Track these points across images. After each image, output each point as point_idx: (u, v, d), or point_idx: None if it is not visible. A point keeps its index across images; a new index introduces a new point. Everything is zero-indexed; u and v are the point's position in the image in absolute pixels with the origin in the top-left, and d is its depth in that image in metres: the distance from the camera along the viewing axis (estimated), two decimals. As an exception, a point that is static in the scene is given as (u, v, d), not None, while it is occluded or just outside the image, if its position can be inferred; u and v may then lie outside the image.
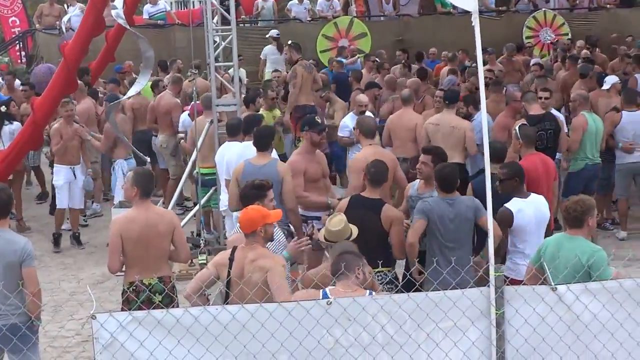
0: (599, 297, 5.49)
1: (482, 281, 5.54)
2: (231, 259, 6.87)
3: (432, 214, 7.98)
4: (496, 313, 5.35)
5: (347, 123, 12.97)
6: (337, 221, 7.61)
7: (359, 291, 6.00)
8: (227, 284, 6.81)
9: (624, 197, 12.86)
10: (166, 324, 5.15)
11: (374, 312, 5.28)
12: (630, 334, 5.54)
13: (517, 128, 10.10)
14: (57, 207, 13.27)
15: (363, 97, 13.47)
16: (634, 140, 12.49)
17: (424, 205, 8.09)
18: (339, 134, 13.20)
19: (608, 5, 24.86)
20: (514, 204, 8.41)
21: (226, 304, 6.63)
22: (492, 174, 8.58)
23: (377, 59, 18.90)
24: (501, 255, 8.25)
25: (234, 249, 6.93)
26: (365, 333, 5.30)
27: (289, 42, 16.49)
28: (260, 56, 20.23)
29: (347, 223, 7.62)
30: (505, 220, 8.33)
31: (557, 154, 12.55)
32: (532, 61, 19.06)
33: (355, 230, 7.61)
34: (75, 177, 13.09)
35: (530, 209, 8.46)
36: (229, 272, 6.81)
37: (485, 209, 7.55)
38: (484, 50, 18.49)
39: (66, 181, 13.05)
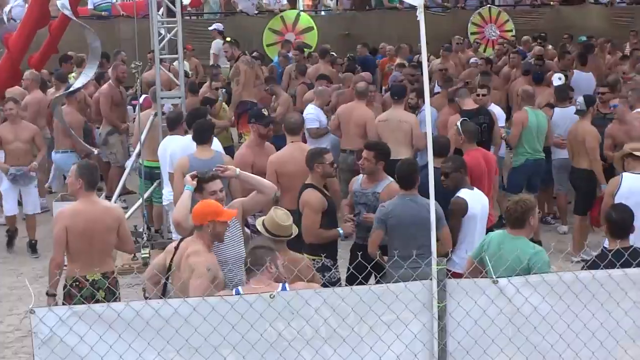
0: (539, 289, 5.53)
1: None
2: (176, 248, 6.87)
3: (391, 219, 8.00)
4: (438, 306, 5.37)
5: (312, 115, 12.98)
6: (286, 216, 7.61)
7: (272, 286, 5.98)
8: (168, 274, 6.83)
9: (562, 191, 13.02)
10: (107, 318, 5.08)
11: (317, 305, 5.27)
12: (569, 325, 5.59)
13: (458, 123, 10.18)
14: (5, 214, 12.54)
15: (328, 90, 13.53)
16: (565, 136, 12.65)
17: (381, 212, 8.11)
18: (308, 126, 12.95)
19: (552, 2, 25.16)
20: (464, 194, 8.48)
21: (164, 294, 6.68)
22: (435, 168, 8.81)
23: (333, 53, 18.90)
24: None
25: (181, 239, 6.93)
26: (308, 326, 5.29)
27: (228, 39, 16.41)
28: (213, 51, 20.07)
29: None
30: (460, 210, 8.40)
31: (502, 150, 12.69)
32: (472, 60, 19.15)
33: (295, 230, 7.64)
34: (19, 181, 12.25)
35: (478, 201, 8.57)
36: (170, 263, 6.84)
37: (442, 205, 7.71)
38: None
39: (11, 186, 12.27)
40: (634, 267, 5.88)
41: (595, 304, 5.65)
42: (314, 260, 8.17)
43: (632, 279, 5.70)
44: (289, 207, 8.61)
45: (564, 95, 13.10)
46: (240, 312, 5.17)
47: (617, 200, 8.76)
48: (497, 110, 12.74)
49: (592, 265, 6.23)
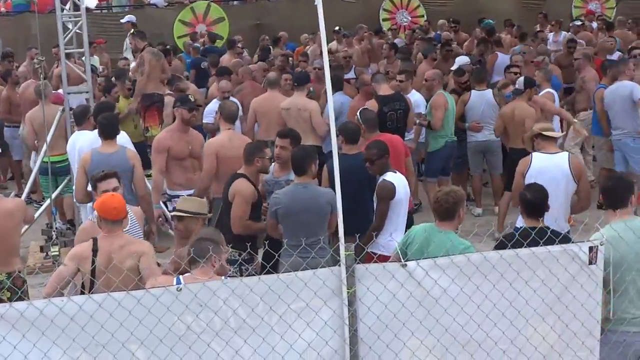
0: (448, 271, 5.54)
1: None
2: (95, 249, 6.70)
3: (280, 208, 7.99)
4: (347, 292, 5.35)
5: (212, 109, 12.84)
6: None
7: (214, 278, 5.90)
8: (92, 274, 6.64)
9: (477, 174, 13.14)
10: (9, 318, 4.95)
11: (225, 296, 5.20)
12: (479, 306, 5.62)
13: (358, 113, 10.14)
14: None
15: (225, 84, 13.37)
16: (481, 119, 12.75)
17: (273, 199, 8.10)
18: (204, 120, 13.00)
19: (462, -14, 25.35)
20: (390, 178, 8.48)
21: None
22: (357, 153, 8.85)
23: (239, 46, 18.76)
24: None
25: (95, 240, 6.77)
26: (217, 318, 5.22)
27: (132, 31, 16.17)
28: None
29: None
30: (388, 192, 8.38)
31: (422, 135, 12.75)
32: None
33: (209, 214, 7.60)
34: None
35: (401, 184, 8.57)
36: (93, 264, 6.65)
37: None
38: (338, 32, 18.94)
39: None
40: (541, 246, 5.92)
41: (504, 284, 5.67)
42: (237, 252, 8.14)
43: (540, 257, 5.74)
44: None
45: (481, 76, 13.20)
46: (147, 307, 5.08)
47: (527, 180, 8.86)
48: (417, 97, 12.71)
49: (500, 245, 6.24)
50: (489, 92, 12.86)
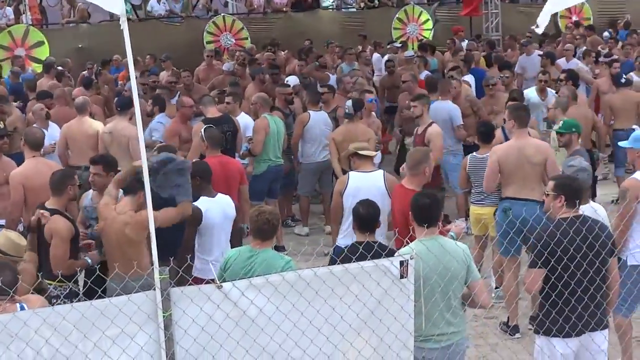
0: (264, 291, 5.59)
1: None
2: None
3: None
4: (163, 316, 5.33)
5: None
6: (20, 237, 7.33)
7: (11, 307, 5.76)
8: None
9: (307, 194, 13.32)
10: None
11: (37, 326, 5.09)
12: (295, 324, 5.68)
13: (202, 130, 10.24)
14: None
15: (38, 107, 13.17)
16: (320, 139, 12.94)
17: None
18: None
19: (284, 9, 25.68)
20: (201, 202, 8.54)
21: None
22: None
23: (61, 67, 18.49)
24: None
25: None
26: (29, 348, 5.09)
27: None
28: None
29: None
30: (194, 218, 8.42)
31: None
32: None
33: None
34: None
35: (218, 208, 8.64)
36: None
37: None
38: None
39: None
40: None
41: (319, 301, 5.76)
42: (60, 287, 7.94)
43: (353, 273, 5.86)
44: None
45: (315, 98, 13.42)
46: (-50, 341, 4.93)
47: (344, 199, 9.06)
48: (246, 119, 12.76)
49: (331, 261, 6.31)
50: (324, 113, 13.15)
